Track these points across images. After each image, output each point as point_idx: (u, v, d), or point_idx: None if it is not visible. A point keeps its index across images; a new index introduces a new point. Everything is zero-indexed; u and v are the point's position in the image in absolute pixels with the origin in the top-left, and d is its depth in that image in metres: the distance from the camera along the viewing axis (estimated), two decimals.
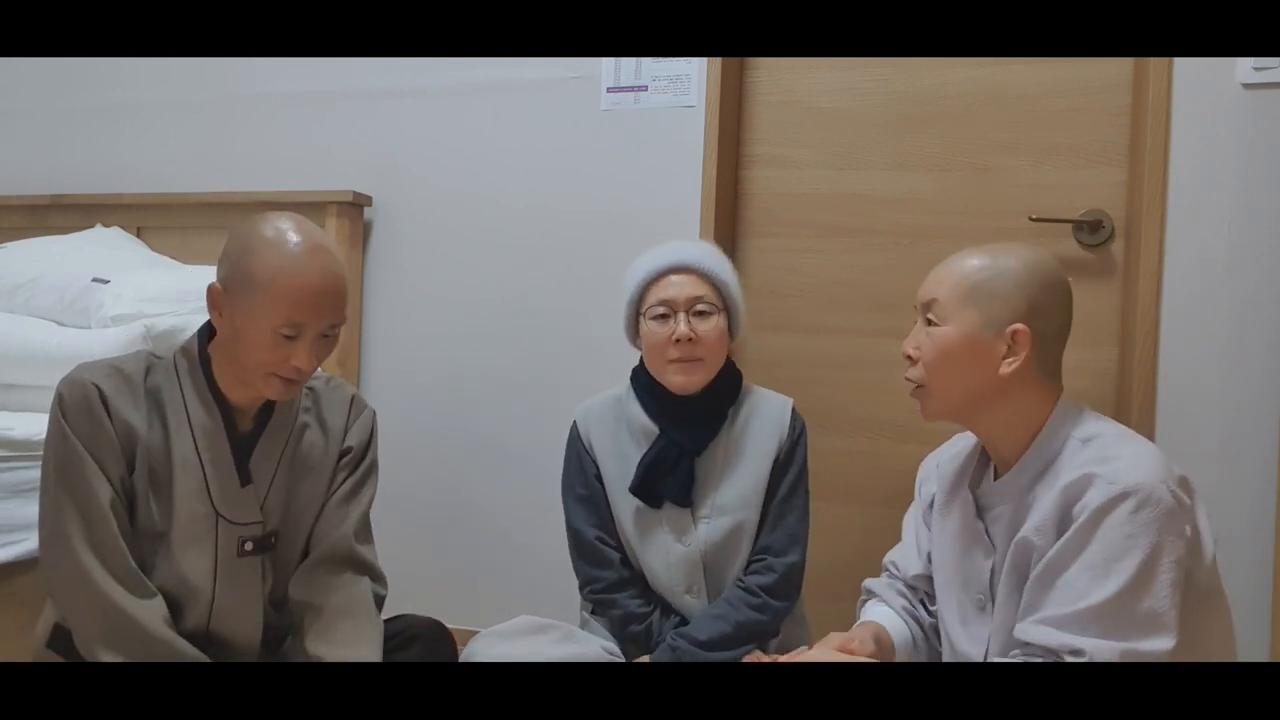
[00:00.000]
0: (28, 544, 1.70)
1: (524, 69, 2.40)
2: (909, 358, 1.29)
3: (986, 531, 1.28)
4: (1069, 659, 1.11)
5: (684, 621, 1.59)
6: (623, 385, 1.69)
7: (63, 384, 1.35)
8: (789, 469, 1.61)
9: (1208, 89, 1.98)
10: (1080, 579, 1.11)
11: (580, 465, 1.66)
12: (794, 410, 1.66)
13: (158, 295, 2.12)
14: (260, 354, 1.33)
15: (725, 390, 1.63)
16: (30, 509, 1.69)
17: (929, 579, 1.42)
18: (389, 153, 2.50)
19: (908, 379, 1.30)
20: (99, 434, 1.33)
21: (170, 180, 2.65)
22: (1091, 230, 2.15)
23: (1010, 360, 1.21)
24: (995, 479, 1.29)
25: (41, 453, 1.73)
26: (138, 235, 2.58)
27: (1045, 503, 1.18)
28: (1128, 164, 2.13)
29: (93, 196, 2.63)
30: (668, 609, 1.61)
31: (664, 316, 1.56)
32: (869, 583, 1.50)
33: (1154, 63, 2.00)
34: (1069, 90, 2.17)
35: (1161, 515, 1.09)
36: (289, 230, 1.34)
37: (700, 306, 1.56)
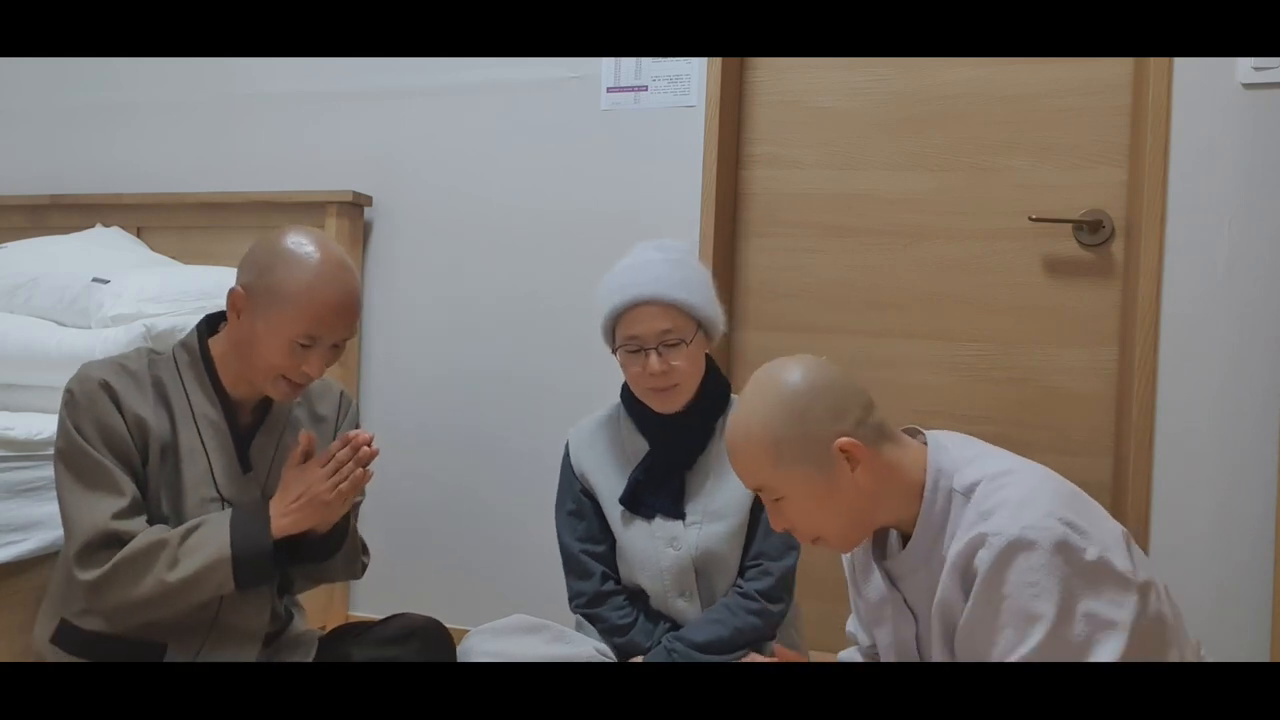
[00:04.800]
0: (28, 544, 1.69)
1: (524, 69, 2.40)
2: (789, 530, 1.25)
3: (905, 601, 1.26)
4: None
5: (676, 626, 1.60)
6: (614, 403, 1.72)
7: (72, 382, 1.40)
8: None
9: (1208, 89, 1.98)
10: (1003, 640, 1.09)
11: (569, 482, 1.69)
12: None
13: (158, 295, 2.11)
14: (275, 359, 1.40)
15: (712, 403, 1.64)
16: (31, 509, 1.69)
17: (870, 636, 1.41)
18: (389, 153, 2.50)
19: (811, 543, 1.27)
20: (110, 431, 1.38)
21: (170, 180, 2.65)
22: (1091, 230, 2.15)
23: (856, 469, 1.17)
24: (903, 548, 1.25)
25: (42, 452, 1.74)
26: (138, 235, 2.58)
27: (947, 570, 1.15)
28: (1128, 164, 2.13)
29: (93, 196, 2.63)
30: (659, 615, 1.62)
31: (635, 352, 1.56)
32: (840, 655, 1.50)
33: (1154, 63, 2.00)
34: (1069, 90, 2.17)
35: (1056, 550, 1.07)
36: (314, 247, 1.42)
37: (669, 339, 1.55)
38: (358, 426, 1.64)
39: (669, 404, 1.59)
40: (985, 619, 1.10)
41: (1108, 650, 1.05)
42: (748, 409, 1.20)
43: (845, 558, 1.40)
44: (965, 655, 1.15)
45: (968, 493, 1.16)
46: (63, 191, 2.69)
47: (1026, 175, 2.20)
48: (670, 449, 1.62)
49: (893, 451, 1.20)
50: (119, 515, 1.35)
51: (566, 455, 1.71)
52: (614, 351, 1.62)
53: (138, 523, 1.37)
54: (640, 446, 1.64)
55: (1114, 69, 2.15)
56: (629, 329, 1.56)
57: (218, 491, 1.45)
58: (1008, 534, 1.08)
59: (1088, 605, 1.07)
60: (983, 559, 1.09)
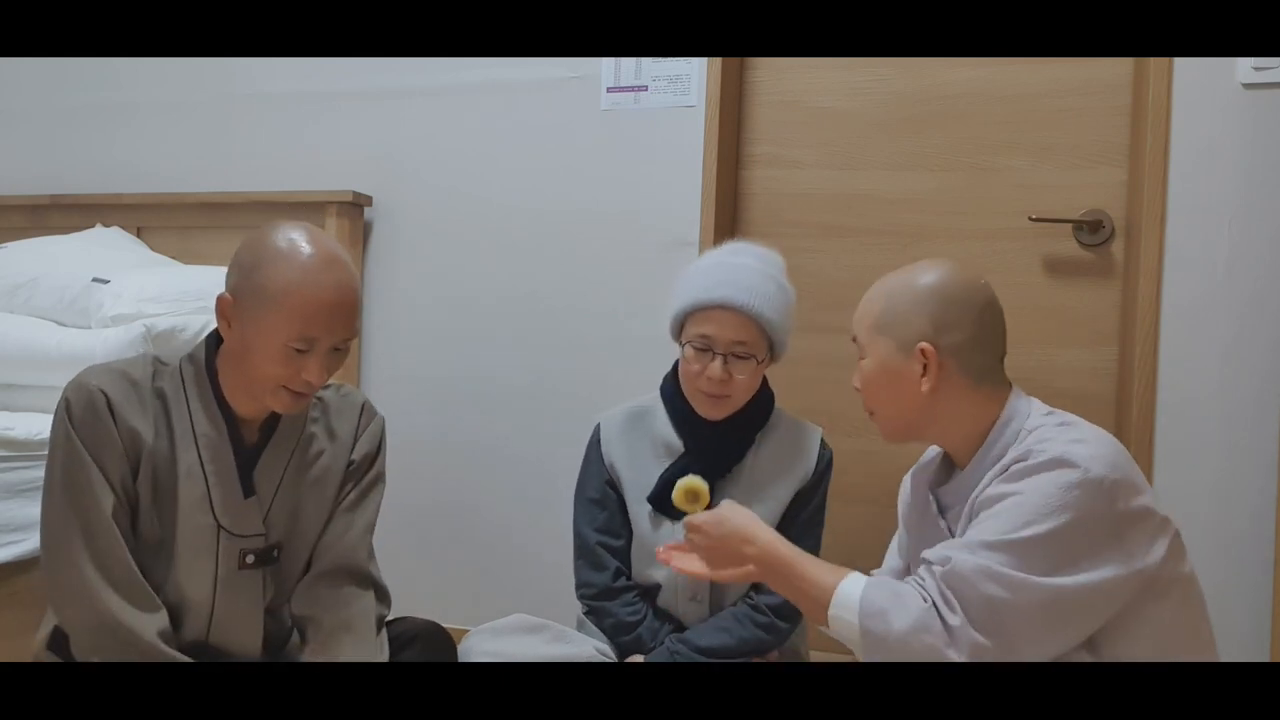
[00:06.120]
0: (28, 544, 1.70)
1: (524, 69, 2.40)
2: (858, 389, 1.34)
3: (949, 530, 1.30)
4: (936, 567, 1.13)
5: (680, 628, 1.60)
6: (650, 395, 1.68)
7: (69, 388, 1.31)
8: (811, 499, 1.61)
9: (1208, 89, 1.98)
10: (987, 527, 1.14)
11: (596, 470, 1.65)
12: (823, 441, 1.65)
13: (158, 295, 2.11)
14: (271, 368, 1.29)
15: (755, 415, 1.62)
16: (31, 509, 1.69)
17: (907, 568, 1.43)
18: (389, 153, 2.50)
19: (868, 414, 1.35)
20: (105, 441, 1.30)
21: (170, 180, 2.65)
22: (1091, 230, 2.15)
23: (926, 376, 1.24)
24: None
25: (42, 452, 1.74)
26: (138, 235, 2.58)
27: (989, 477, 1.22)
28: (1128, 164, 2.13)
29: (93, 196, 2.63)
30: (667, 615, 1.61)
31: (703, 350, 1.53)
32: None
33: (1154, 63, 2.00)
34: (1069, 90, 2.17)
35: (1089, 482, 1.11)
36: (302, 242, 1.30)
37: (740, 350, 1.52)
38: (380, 447, 1.52)
39: (716, 411, 1.56)
40: (989, 502, 1.17)
41: (1063, 585, 1.09)
42: (901, 272, 1.32)
43: (902, 496, 1.46)
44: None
45: (1032, 430, 1.22)
46: (63, 191, 2.69)
47: (1026, 175, 2.20)
48: (707, 455, 1.58)
49: (978, 389, 1.26)
50: (88, 537, 1.28)
51: (596, 442, 1.67)
52: (680, 345, 1.58)
53: (105, 546, 1.29)
54: (675, 444, 1.61)
55: (1114, 69, 2.15)
56: (703, 327, 1.52)
57: (215, 518, 1.35)
58: (1052, 452, 1.14)
59: (1081, 547, 1.10)
60: (1018, 466, 1.16)
